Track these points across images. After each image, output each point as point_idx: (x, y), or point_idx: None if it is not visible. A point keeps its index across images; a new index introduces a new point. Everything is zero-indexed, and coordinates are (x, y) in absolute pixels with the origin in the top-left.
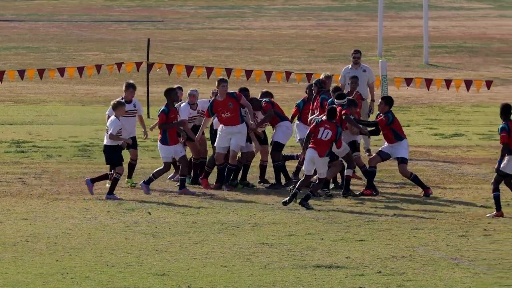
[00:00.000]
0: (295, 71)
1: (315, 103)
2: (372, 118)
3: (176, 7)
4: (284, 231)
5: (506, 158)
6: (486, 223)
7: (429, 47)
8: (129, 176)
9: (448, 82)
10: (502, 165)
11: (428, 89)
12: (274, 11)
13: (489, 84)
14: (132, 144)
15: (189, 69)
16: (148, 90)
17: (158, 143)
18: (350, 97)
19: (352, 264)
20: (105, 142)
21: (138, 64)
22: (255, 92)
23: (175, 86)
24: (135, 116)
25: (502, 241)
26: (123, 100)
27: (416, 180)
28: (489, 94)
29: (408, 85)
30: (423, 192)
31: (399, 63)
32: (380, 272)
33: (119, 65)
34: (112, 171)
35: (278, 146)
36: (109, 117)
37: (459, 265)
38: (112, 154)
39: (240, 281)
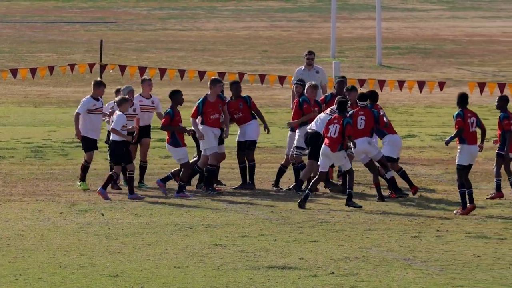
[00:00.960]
0: (248, 72)
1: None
2: None
3: (128, 8)
4: (237, 232)
5: (459, 148)
6: (439, 224)
7: (382, 48)
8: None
9: (401, 83)
10: (457, 159)
11: (381, 90)
12: (227, 12)
13: (442, 85)
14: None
15: (142, 70)
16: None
17: (168, 145)
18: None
19: (305, 265)
20: (112, 138)
21: (91, 65)
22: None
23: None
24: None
25: (454, 242)
26: (127, 97)
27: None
28: (442, 95)
29: (361, 86)
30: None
31: (352, 64)
32: (333, 273)
33: (72, 66)
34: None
35: (253, 145)
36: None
37: (412, 266)
38: (116, 151)
39: (193, 282)
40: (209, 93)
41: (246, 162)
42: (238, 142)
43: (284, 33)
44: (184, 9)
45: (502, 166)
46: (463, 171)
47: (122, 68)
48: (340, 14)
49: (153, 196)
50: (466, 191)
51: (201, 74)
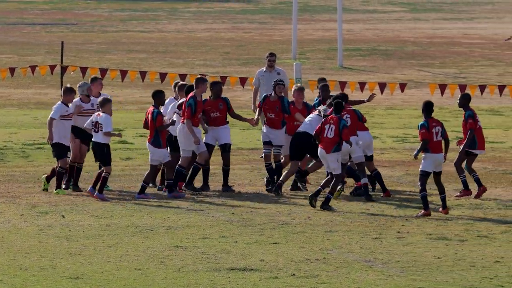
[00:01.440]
0: (210, 74)
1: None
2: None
3: (90, 10)
4: (198, 234)
5: (423, 156)
6: (400, 226)
7: (343, 50)
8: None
9: (362, 85)
10: (421, 165)
11: (342, 92)
12: (189, 14)
13: (403, 87)
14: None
15: (103, 72)
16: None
17: (149, 145)
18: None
19: (266, 266)
20: (96, 140)
21: (52, 67)
22: (169, 95)
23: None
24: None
25: (415, 244)
26: (109, 97)
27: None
28: (403, 97)
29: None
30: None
31: (313, 66)
32: (294, 274)
33: (32, 68)
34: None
35: (230, 148)
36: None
37: (373, 267)
38: (103, 152)
39: (154, 284)
40: (195, 92)
41: (208, 164)
42: (207, 144)
43: (245, 35)
44: (146, 11)
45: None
46: (426, 177)
47: (83, 70)
48: (302, 16)
49: (114, 198)
50: (440, 196)
51: (163, 76)
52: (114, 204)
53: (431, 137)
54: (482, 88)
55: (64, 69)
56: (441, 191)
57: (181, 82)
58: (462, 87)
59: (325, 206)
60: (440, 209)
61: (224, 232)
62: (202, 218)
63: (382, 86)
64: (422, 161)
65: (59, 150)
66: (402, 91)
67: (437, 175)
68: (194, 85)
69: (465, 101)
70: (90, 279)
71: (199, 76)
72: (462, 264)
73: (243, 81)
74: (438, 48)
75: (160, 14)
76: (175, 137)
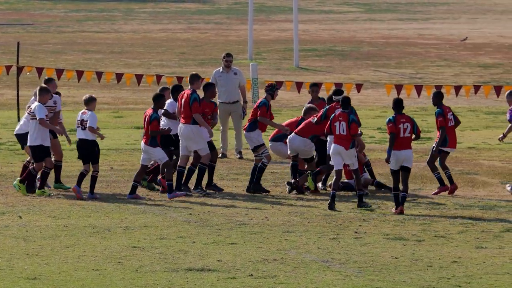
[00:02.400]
0: (166, 74)
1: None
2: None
3: (46, 11)
4: (155, 234)
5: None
6: (357, 226)
7: (299, 50)
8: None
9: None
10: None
11: (299, 92)
12: (145, 14)
13: (359, 87)
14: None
15: (59, 72)
16: (18, 94)
17: (147, 146)
18: (312, 105)
19: (223, 267)
20: (81, 137)
21: (8, 68)
22: (126, 95)
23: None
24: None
25: (372, 244)
26: (94, 96)
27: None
28: (359, 97)
29: (278, 88)
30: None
31: (269, 66)
32: (251, 275)
33: None
34: (85, 168)
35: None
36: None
37: (330, 267)
38: (93, 150)
39: (112, 284)
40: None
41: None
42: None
43: (201, 35)
44: (102, 11)
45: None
46: (394, 175)
47: (39, 70)
48: (257, 17)
49: (71, 198)
50: (400, 194)
51: (119, 76)
52: (71, 205)
53: (397, 132)
54: (438, 88)
55: (20, 69)
56: (404, 189)
57: (176, 84)
58: (418, 88)
59: (361, 204)
60: (393, 209)
61: (182, 233)
62: (160, 218)
63: (338, 87)
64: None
65: (42, 153)
66: (359, 91)
67: (405, 171)
68: (189, 81)
69: (437, 99)
70: (48, 280)
71: (194, 72)
72: (420, 264)
73: None
74: (394, 49)
75: (116, 14)
76: (175, 135)
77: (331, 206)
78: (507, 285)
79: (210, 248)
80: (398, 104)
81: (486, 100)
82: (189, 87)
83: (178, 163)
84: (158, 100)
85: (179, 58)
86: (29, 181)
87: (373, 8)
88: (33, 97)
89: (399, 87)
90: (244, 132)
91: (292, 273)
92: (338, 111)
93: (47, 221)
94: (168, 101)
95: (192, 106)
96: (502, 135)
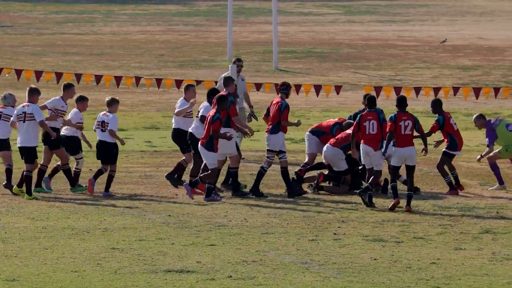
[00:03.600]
0: (145, 76)
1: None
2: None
3: (25, 12)
4: (134, 236)
5: (392, 150)
6: (336, 227)
7: (278, 52)
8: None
9: (297, 87)
10: (392, 160)
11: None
12: (124, 16)
13: (338, 89)
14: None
15: (38, 74)
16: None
17: (201, 147)
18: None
19: (202, 268)
20: (101, 138)
21: None
22: (105, 97)
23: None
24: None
25: (351, 245)
26: (117, 98)
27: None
28: (338, 99)
29: (258, 90)
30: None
31: (249, 68)
32: (230, 276)
33: None
34: (104, 168)
35: None
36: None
37: (310, 269)
38: (112, 152)
39: (91, 286)
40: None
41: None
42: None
43: (181, 37)
44: (81, 13)
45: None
46: (394, 170)
47: (18, 72)
48: (237, 18)
49: (50, 200)
50: (407, 193)
51: (98, 78)
52: (50, 207)
53: (398, 130)
54: (417, 90)
55: None
56: (409, 188)
57: (188, 83)
58: (397, 90)
59: (363, 195)
60: (390, 205)
61: (161, 234)
62: (139, 220)
63: (318, 89)
64: (392, 155)
65: (34, 153)
66: (338, 93)
67: (409, 169)
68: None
69: (436, 107)
70: (27, 281)
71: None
72: (399, 265)
73: (178, 83)
74: (373, 51)
75: (95, 16)
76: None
77: (370, 204)
78: (486, 286)
79: (189, 250)
80: (401, 102)
81: (465, 102)
82: (224, 90)
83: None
84: (222, 101)
85: (158, 60)
86: (37, 182)
87: (353, 10)
88: (5, 101)
89: (378, 89)
90: (267, 134)
91: (271, 275)
92: (365, 111)
93: (25, 223)
94: (204, 104)
95: (230, 109)
96: (480, 156)
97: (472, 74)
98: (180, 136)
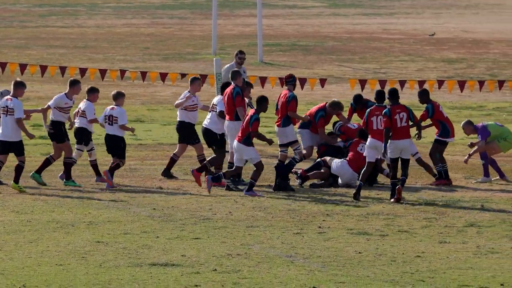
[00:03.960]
0: (130, 69)
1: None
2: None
3: (8, 5)
4: (119, 229)
5: (388, 143)
6: (321, 221)
7: (263, 45)
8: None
9: (282, 80)
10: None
11: (263, 87)
12: (108, 9)
13: (323, 82)
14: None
15: (22, 67)
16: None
17: (240, 144)
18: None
19: (187, 262)
20: (109, 132)
21: None
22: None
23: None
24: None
25: (336, 238)
26: (123, 91)
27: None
28: (323, 92)
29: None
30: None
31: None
32: (215, 269)
33: None
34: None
35: None
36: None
37: (294, 262)
38: (120, 146)
39: (75, 279)
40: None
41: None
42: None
43: (165, 30)
44: (65, 6)
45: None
46: (393, 163)
47: (3, 65)
48: (221, 11)
49: (34, 193)
50: (399, 182)
51: (82, 71)
52: (34, 200)
53: (394, 124)
54: (402, 83)
55: None
56: (404, 173)
57: (193, 76)
58: (382, 82)
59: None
60: (392, 199)
61: (145, 228)
62: (123, 213)
63: (303, 82)
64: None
65: (22, 146)
66: (323, 86)
67: (404, 162)
68: (231, 77)
69: (423, 97)
70: (11, 275)
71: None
72: (383, 259)
73: (163, 76)
74: (358, 44)
75: (79, 9)
76: (220, 134)
77: (356, 197)
78: (470, 280)
79: (174, 243)
80: (393, 94)
81: (449, 95)
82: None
83: (230, 159)
84: (261, 103)
85: (143, 53)
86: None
87: (337, 3)
88: None
89: (363, 82)
90: (278, 127)
91: (256, 268)
92: (374, 106)
93: (10, 216)
94: (218, 98)
95: (235, 100)
96: (468, 155)
97: (456, 67)
98: (184, 129)
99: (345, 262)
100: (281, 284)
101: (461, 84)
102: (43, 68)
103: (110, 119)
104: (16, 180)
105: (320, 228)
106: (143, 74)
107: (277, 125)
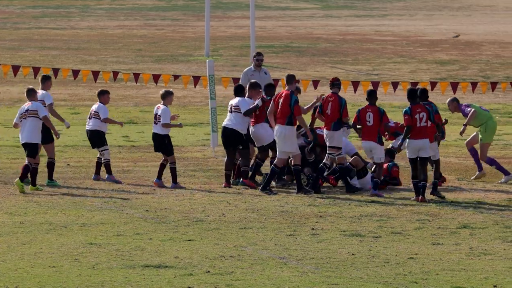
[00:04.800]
0: (123, 71)
1: None
2: None
3: (1, 7)
4: (112, 231)
5: (406, 144)
6: (314, 223)
7: (256, 47)
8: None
9: (275, 82)
10: (408, 152)
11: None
12: (101, 11)
13: (316, 84)
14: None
15: (15, 69)
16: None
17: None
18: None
19: (180, 263)
20: (154, 131)
21: None
22: (82, 92)
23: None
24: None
25: (329, 240)
26: (171, 90)
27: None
28: (316, 94)
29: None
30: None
31: (226, 62)
32: (208, 271)
33: None
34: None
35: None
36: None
37: (287, 264)
38: (163, 143)
39: (69, 281)
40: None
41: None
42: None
43: (158, 32)
44: (58, 8)
45: None
46: (412, 164)
47: None
48: (214, 13)
49: (28, 194)
50: (419, 184)
51: (75, 73)
52: (27, 202)
53: (413, 123)
54: (395, 85)
55: None
56: (423, 178)
57: None
58: (375, 84)
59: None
60: (414, 197)
61: (139, 229)
62: (116, 215)
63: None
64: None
65: (36, 149)
66: (315, 88)
67: (422, 160)
68: (286, 81)
69: (422, 96)
70: (4, 277)
71: (291, 73)
72: (376, 260)
73: (156, 78)
74: (351, 45)
75: (72, 11)
76: (245, 134)
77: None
78: (464, 281)
79: (167, 245)
80: (412, 94)
81: (442, 97)
82: (286, 88)
83: (275, 162)
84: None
85: (136, 54)
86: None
87: (330, 5)
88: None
89: (355, 84)
90: (327, 131)
91: (249, 270)
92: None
93: (3, 218)
94: (238, 100)
95: (294, 109)
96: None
97: (449, 69)
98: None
99: (338, 264)
100: (274, 285)
101: (454, 86)
102: (36, 70)
103: (156, 118)
104: (22, 179)
105: (313, 229)
106: (136, 76)
107: (326, 129)
